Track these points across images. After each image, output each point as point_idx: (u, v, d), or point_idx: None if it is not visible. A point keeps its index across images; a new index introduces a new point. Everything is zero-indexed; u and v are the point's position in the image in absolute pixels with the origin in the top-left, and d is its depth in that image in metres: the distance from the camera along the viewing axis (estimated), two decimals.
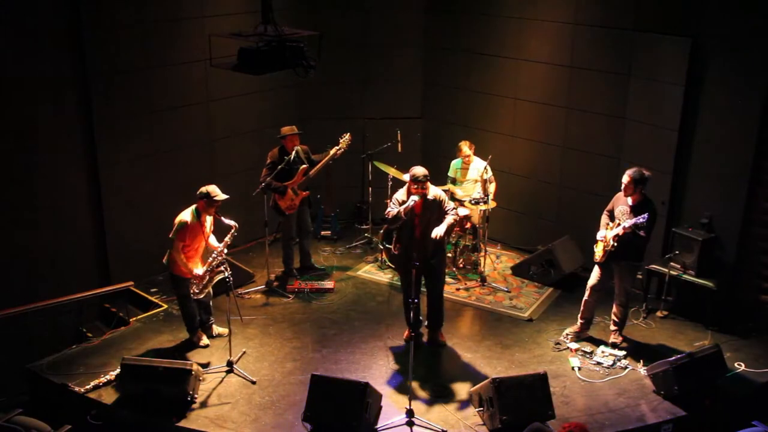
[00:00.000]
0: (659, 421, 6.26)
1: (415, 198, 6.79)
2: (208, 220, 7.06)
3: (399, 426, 6.19)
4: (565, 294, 8.42)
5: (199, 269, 6.98)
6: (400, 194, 6.99)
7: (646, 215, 6.68)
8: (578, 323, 7.47)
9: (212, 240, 7.20)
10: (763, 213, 7.54)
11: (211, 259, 7.01)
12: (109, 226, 8.14)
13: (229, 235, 6.99)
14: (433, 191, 6.98)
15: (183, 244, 6.91)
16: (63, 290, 7.50)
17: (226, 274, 6.86)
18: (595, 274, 7.25)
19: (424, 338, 7.46)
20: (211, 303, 7.38)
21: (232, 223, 6.96)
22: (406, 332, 7.42)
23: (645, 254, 7.13)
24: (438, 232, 6.83)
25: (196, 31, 8.41)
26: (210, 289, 7.16)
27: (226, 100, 9.00)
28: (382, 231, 9.01)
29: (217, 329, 7.49)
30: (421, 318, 7.48)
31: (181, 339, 7.43)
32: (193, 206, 6.98)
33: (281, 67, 6.41)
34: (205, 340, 7.35)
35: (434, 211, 6.96)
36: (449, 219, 6.95)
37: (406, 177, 6.94)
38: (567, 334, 7.51)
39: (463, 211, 8.61)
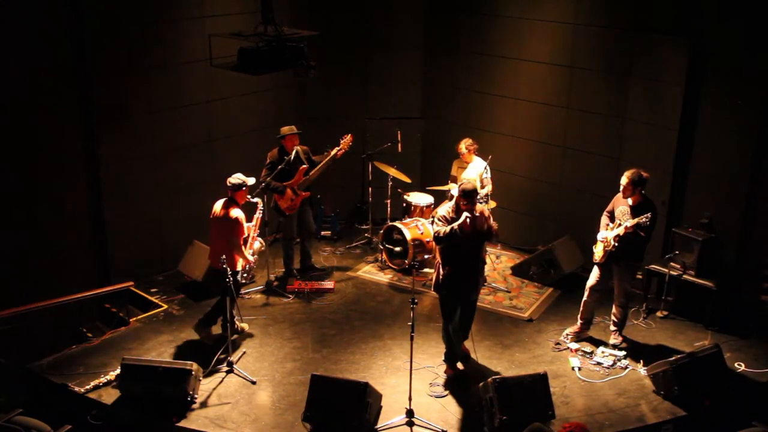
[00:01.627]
0: (659, 421, 6.27)
1: (468, 214, 6.41)
2: None
3: (399, 426, 6.19)
4: (565, 294, 8.42)
5: (249, 255, 7.17)
6: (445, 210, 6.65)
7: (648, 215, 6.68)
8: (578, 323, 7.47)
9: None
10: (763, 213, 7.54)
11: (250, 240, 7.20)
12: (109, 226, 8.14)
13: (257, 212, 7.28)
14: (478, 207, 6.65)
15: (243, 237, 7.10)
16: (63, 290, 7.50)
17: (263, 247, 7.28)
18: (594, 275, 7.25)
19: None
20: None
21: (257, 200, 7.29)
22: (447, 369, 6.97)
23: (645, 254, 7.13)
24: (493, 226, 6.60)
25: (196, 31, 8.41)
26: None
27: (226, 100, 8.99)
28: (382, 231, 9.02)
29: (240, 325, 7.52)
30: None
31: (182, 339, 7.43)
32: (228, 201, 7.06)
33: (281, 67, 6.42)
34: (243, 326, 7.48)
35: (481, 226, 6.63)
36: (495, 232, 6.68)
37: (453, 191, 6.73)
38: (567, 335, 7.51)
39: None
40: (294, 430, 6.16)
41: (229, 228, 6.97)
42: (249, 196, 7.24)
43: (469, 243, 6.58)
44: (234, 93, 9.02)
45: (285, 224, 8.60)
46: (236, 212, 7.01)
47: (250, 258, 7.21)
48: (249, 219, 7.30)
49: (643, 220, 6.68)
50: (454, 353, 6.97)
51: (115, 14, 7.81)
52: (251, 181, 7.23)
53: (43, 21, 7.32)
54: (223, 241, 7.00)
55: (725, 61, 7.50)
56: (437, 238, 6.55)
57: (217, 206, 7.14)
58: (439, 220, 6.62)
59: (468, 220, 6.41)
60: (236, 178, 7.10)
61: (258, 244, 7.21)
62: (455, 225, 6.44)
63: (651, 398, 6.55)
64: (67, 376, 6.71)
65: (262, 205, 7.39)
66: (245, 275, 7.10)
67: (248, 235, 7.22)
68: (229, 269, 6.72)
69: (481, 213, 6.65)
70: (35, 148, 7.48)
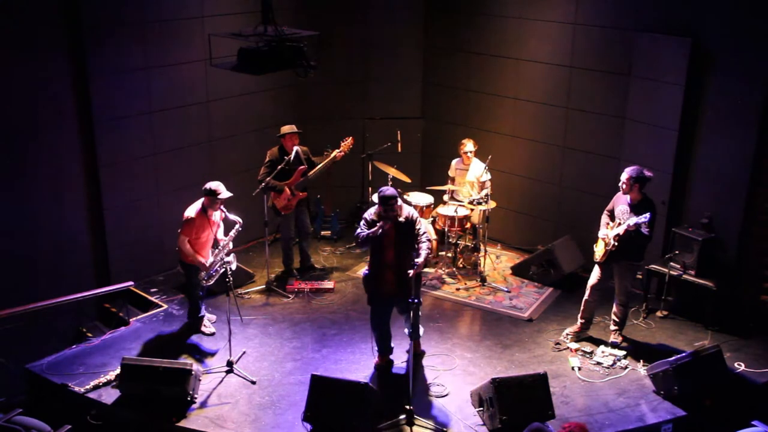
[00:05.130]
0: (659, 421, 6.27)
1: (381, 223, 6.40)
2: (216, 214, 7.19)
3: (398, 426, 6.18)
4: (565, 294, 8.42)
5: (207, 260, 7.15)
6: (369, 214, 6.62)
7: (648, 215, 6.68)
8: (578, 323, 7.47)
9: (220, 233, 7.33)
10: (763, 213, 7.54)
11: (217, 251, 7.19)
12: (109, 226, 8.14)
13: (233, 230, 7.16)
14: (406, 211, 6.59)
15: (188, 238, 7.05)
16: (63, 290, 7.50)
17: (233, 264, 7.11)
18: (595, 274, 7.26)
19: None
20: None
21: (237, 219, 7.12)
22: (378, 358, 7.02)
23: (645, 254, 7.13)
24: (415, 270, 6.33)
25: (196, 31, 8.41)
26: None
27: (226, 100, 9.00)
28: None
29: (208, 326, 7.57)
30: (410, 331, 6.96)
31: (182, 339, 7.43)
32: (200, 201, 7.11)
33: (281, 67, 6.42)
34: (210, 329, 7.51)
35: (407, 233, 6.56)
36: (422, 254, 6.43)
37: (375, 198, 6.51)
38: (567, 334, 7.51)
39: (462, 211, 8.62)
40: (294, 430, 6.16)
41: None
42: (224, 210, 7.03)
43: (396, 250, 6.54)
44: (234, 93, 9.02)
45: (283, 224, 8.60)
46: (187, 210, 7.09)
47: (205, 261, 7.11)
48: (226, 233, 7.29)
49: (642, 220, 6.69)
50: (384, 346, 6.97)
51: (114, 13, 7.80)
52: (226, 194, 7.01)
53: (42, 20, 7.32)
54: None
55: (725, 61, 7.49)
56: (356, 240, 6.63)
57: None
58: (362, 221, 6.62)
59: (381, 230, 6.39)
60: (209, 184, 7.05)
61: (228, 259, 7.10)
62: (369, 232, 6.47)
63: (651, 398, 6.55)
64: (67, 376, 6.71)
65: (240, 225, 7.12)
66: (204, 276, 7.15)
67: (221, 248, 7.19)
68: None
69: (408, 218, 6.52)
70: (35, 148, 7.47)
